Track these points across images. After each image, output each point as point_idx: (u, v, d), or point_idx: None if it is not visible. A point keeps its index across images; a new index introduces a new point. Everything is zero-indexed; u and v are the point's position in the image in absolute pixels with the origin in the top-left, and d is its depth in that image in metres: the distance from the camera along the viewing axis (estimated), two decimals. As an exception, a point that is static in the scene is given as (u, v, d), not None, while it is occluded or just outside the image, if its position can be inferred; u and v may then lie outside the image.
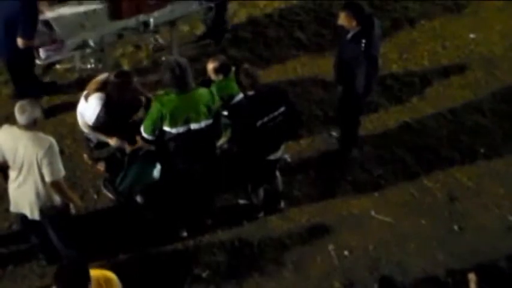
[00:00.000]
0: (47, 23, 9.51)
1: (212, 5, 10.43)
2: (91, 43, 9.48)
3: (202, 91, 7.98)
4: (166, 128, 7.79)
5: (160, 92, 8.09)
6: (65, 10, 9.56)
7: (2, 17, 9.19)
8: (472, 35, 11.46)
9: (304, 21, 11.52)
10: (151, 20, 9.75)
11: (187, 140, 7.90)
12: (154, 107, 7.82)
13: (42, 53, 9.45)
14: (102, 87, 8.44)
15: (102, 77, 8.69)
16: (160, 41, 9.88)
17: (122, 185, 8.43)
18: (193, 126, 7.83)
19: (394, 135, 9.98)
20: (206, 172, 8.36)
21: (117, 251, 8.43)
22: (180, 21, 10.38)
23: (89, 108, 8.41)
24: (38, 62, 9.57)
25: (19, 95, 9.33)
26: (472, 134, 10.01)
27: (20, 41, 9.06)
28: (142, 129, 7.96)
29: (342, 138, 9.71)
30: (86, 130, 8.79)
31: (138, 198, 8.91)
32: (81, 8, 9.56)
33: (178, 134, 7.83)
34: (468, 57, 11.07)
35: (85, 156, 9.23)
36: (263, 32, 11.36)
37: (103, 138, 8.71)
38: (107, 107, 8.33)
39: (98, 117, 8.36)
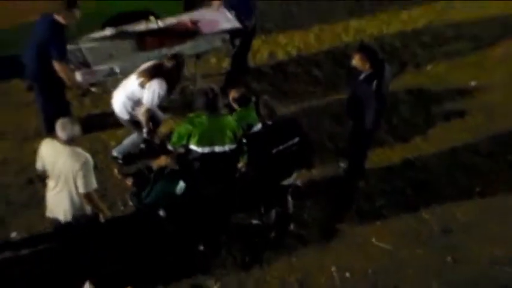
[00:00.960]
0: (80, 51, 9.85)
1: (236, 42, 10.55)
2: (117, 70, 9.76)
3: (230, 118, 8.26)
4: (192, 147, 8.04)
5: (191, 114, 8.32)
6: (96, 40, 9.89)
7: (35, 43, 9.35)
8: (473, 82, 11.57)
9: (321, 60, 11.67)
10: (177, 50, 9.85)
11: (210, 160, 8.13)
12: (184, 125, 8.10)
13: (78, 76, 9.71)
14: (155, 74, 8.94)
15: (149, 66, 9.18)
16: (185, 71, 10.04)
17: (147, 199, 8.49)
18: (218, 148, 8.07)
19: (397, 170, 10.07)
20: (225, 192, 8.52)
21: (136, 258, 8.63)
22: (206, 54, 10.60)
23: (148, 92, 8.94)
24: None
25: (46, 122, 9.61)
26: (469, 174, 10.08)
27: (56, 64, 9.25)
28: (168, 142, 8.26)
29: (349, 169, 9.86)
30: (126, 117, 9.27)
31: (161, 212, 8.93)
32: (110, 39, 9.93)
33: (203, 154, 8.06)
34: (469, 103, 11.16)
35: (115, 171, 9.52)
36: (283, 68, 11.51)
37: (159, 116, 9.31)
38: (166, 88, 8.91)
39: (159, 98, 8.95)
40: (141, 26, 10.37)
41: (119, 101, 9.23)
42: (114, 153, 9.82)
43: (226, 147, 8.12)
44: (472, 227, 9.38)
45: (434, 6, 12.79)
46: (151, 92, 8.97)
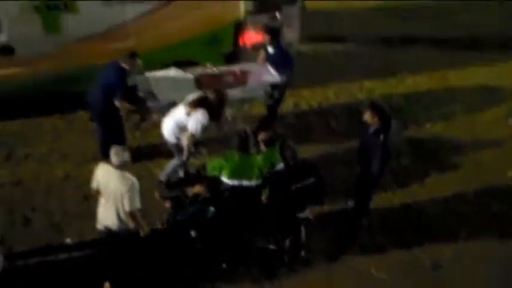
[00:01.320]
0: (147, 81, 9.96)
1: (276, 94, 10.52)
2: (177, 101, 9.57)
3: (258, 157, 8.25)
4: (224, 178, 8.05)
5: (226, 151, 8.39)
6: (162, 75, 9.97)
7: (101, 83, 9.53)
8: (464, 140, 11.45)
9: (337, 113, 11.65)
10: None
11: (238, 192, 8.09)
12: (219, 159, 8.15)
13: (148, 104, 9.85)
14: (200, 105, 8.92)
15: (196, 98, 9.16)
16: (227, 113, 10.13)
17: (180, 218, 8.50)
18: (245, 183, 8.09)
19: (397, 211, 9.97)
20: (248, 219, 8.53)
21: (165, 270, 8.58)
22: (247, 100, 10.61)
23: (193, 121, 8.91)
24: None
25: (102, 149, 9.66)
26: (457, 219, 9.96)
27: (118, 103, 9.45)
28: (203, 171, 8.36)
29: (355, 208, 9.75)
30: (172, 141, 9.26)
31: (192, 232, 8.85)
32: (173, 76, 10.00)
33: (232, 186, 8.04)
34: (461, 158, 11.06)
35: (156, 194, 9.41)
36: (305, 118, 11.51)
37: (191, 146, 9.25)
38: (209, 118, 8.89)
39: (202, 127, 8.91)
40: (200, 70, 10.39)
41: (168, 126, 9.27)
42: (162, 178, 9.80)
43: (253, 182, 8.08)
44: (458, 264, 9.24)
45: (434, 75, 12.77)
46: (196, 120, 8.98)
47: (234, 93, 9.94)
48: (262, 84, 10.25)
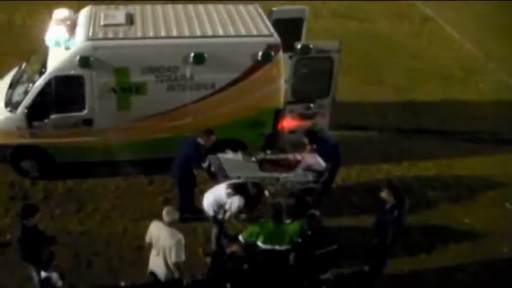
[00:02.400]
0: (218, 160, 9.99)
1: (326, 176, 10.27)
2: (242, 178, 9.55)
3: (291, 226, 8.22)
4: (259, 243, 7.95)
5: (263, 219, 8.36)
6: (231, 156, 10.02)
7: (181, 155, 9.65)
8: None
9: (358, 190, 11.43)
10: (281, 177, 9.84)
11: (270, 255, 7.95)
12: (255, 226, 8.08)
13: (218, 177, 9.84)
14: (239, 191, 8.81)
15: (237, 183, 9.09)
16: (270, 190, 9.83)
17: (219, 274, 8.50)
18: (277, 247, 7.94)
19: (406, 276, 9.67)
20: (277, 278, 8.35)
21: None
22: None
23: (232, 203, 8.76)
24: None
25: (180, 207, 9.56)
26: (457, 285, 9.69)
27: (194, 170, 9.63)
28: (240, 235, 8.30)
29: (370, 272, 9.47)
30: (211, 214, 9.08)
31: (228, 285, 8.79)
32: (241, 158, 10.04)
33: (265, 249, 7.93)
34: (462, 235, 10.67)
35: (200, 250, 9.34)
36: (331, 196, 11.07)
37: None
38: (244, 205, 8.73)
39: (239, 209, 8.74)
40: (262, 155, 10.36)
41: (208, 200, 9.12)
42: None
43: (284, 247, 7.95)
44: None
45: (441, 161, 12.54)
46: (233, 204, 8.81)
47: (287, 175, 9.88)
48: (312, 171, 10.07)
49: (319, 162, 10.11)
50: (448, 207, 11.29)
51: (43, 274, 7.86)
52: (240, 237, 8.30)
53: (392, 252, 9.31)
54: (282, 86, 10.77)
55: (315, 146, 10.20)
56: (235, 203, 8.79)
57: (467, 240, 10.55)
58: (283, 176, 9.81)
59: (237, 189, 8.90)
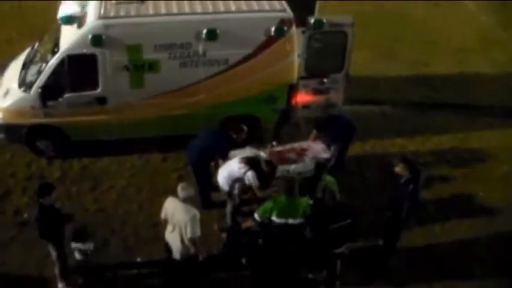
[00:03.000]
0: None
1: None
2: None
3: (303, 200, 8.21)
4: (273, 218, 7.96)
5: (276, 194, 8.37)
6: (240, 152, 9.77)
7: (204, 142, 9.49)
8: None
9: (372, 164, 11.43)
10: (290, 169, 9.80)
11: (284, 228, 8.00)
12: (269, 202, 8.09)
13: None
14: (251, 165, 8.87)
15: (251, 156, 9.18)
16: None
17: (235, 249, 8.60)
18: (291, 221, 7.97)
19: (420, 250, 9.71)
20: (292, 252, 8.41)
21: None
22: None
23: (246, 177, 8.86)
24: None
25: (199, 189, 9.55)
26: (473, 258, 9.67)
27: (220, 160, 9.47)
28: (255, 213, 8.28)
29: (385, 246, 9.49)
30: (225, 188, 9.16)
31: (243, 260, 8.92)
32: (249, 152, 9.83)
33: (280, 223, 7.94)
34: (477, 208, 10.70)
35: (215, 225, 9.41)
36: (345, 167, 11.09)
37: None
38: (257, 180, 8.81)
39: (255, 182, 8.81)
40: (268, 147, 10.33)
41: (222, 176, 9.18)
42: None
43: (297, 221, 7.97)
44: None
45: (457, 136, 12.48)
46: (248, 178, 8.89)
47: (296, 167, 9.87)
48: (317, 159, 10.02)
49: (325, 150, 10.18)
50: (463, 181, 11.25)
51: (74, 245, 8.22)
52: (256, 216, 8.34)
53: (407, 226, 9.32)
54: (296, 61, 10.72)
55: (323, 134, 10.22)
56: (249, 177, 8.85)
57: (482, 213, 10.54)
58: (292, 167, 9.83)
59: (249, 163, 8.95)
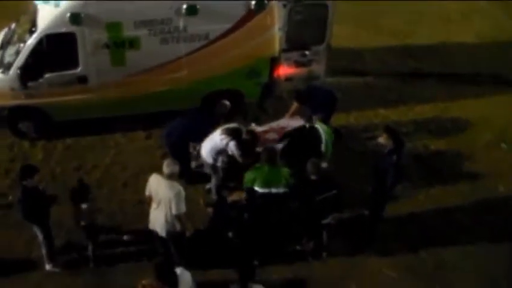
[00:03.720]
0: None
1: None
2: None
3: (285, 169, 8.20)
4: (256, 187, 8.02)
5: (258, 164, 8.37)
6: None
7: (184, 123, 9.48)
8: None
9: (356, 135, 11.47)
10: None
11: (268, 198, 8.08)
12: (251, 173, 8.14)
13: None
14: (232, 135, 8.90)
15: (231, 127, 9.12)
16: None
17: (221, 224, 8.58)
18: (274, 190, 8.04)
19: (405, 219, 9.79)
20: (278, 223, 8.49)
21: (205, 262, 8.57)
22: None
23: (228, 147, 8.90)
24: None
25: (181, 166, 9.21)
26: (457, 226, 9.78)
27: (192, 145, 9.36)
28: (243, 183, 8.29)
29: (370, 216, 9.56)
30: (209, 162, 9.17)
31: (230, 234, 8.95)
32: None
33: (263, 193, 7.98)
34: (462, 175, 10.84)
35: (201, 201, 9.46)
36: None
37: None
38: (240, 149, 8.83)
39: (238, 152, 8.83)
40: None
41: (206, 149, 9.20)
42: (207, 186, 9.73)
43: (281, 189, 7.99)
44: (458, 265, 9.14)
45: (439, 105, 12.59)
46: (230, 149, 8.89)
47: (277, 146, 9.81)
48: None
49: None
50: (446, 150, 11.35)
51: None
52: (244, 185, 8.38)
53: (392, 196, 9.39)
54: (277, 35, 10.70)
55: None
56: (231, 147, 8.88)
57: (466, 181, 10.65)
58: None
59: (231, 133, 8.96)
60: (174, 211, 7.66)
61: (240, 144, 8.90)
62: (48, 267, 8.61)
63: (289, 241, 9.02)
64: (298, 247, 9.00)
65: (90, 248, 8.66)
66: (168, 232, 7.94)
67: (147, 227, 8.28)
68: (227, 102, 9.56)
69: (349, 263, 9.00)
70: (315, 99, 10.13)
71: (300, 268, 8.80)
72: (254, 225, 8.50)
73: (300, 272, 8.74)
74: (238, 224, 8.72)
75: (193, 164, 9.72)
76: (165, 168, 7.71)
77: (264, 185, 8.13)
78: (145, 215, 8.44)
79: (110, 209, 9.58)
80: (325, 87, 10.66)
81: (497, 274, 9.00)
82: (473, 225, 9.81)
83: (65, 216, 8.82)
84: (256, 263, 8.67)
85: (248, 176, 8.25)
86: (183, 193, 7.72)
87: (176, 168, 7.75)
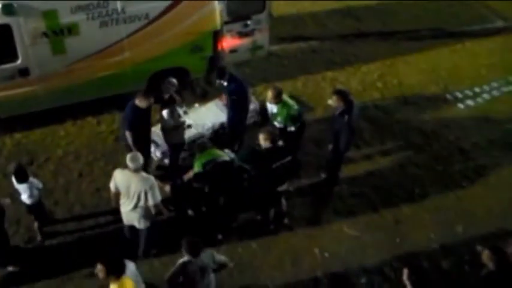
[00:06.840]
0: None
1: None
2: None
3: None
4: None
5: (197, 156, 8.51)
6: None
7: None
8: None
9: (305, 100, 11.46)
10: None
11: (215, 167, 8.23)
12: (196, 161, 8.38)
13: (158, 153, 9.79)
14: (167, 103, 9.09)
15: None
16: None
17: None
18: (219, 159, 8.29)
19: (362, 178, 9.95)
20: (235, 194, 8.60)
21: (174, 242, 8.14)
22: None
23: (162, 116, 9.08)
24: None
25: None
26: (412, 179, 10.03)
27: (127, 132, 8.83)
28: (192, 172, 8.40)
29: (328, 178, 9.73)
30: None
31: (189, 212, 9.00)
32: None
33: (209, 162, 8.26)
34: (411, 130, 11.03)
35: (167, 187, 9.10)
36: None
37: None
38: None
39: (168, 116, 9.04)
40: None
41: (157, 133, 9.18)
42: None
43: (226, 157, 8.33)
44: (415, 217, 9.37)
45: (385, 62, 12.77)
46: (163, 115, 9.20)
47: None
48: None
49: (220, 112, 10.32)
50: (394, 106, 11.56)
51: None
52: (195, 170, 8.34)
53: (346, 156, 9.55)
54: (217, 7, 10.56)
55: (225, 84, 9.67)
56: (164, 114, 9.02)
57: (417, 134, 10.89)
58: (199, 131, 10.03)
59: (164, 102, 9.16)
60: (151, 202, 7.62)
61: (172, 112, 9.02)
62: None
63: (249, 210, 9.06)
64: (258, 217, 9.05)
65: (36, 224, 8.62)
66: (146, 223, 7.94)
67: (107, 214, 8.15)
68: (173, 80, 9.38)
69: (310, 226, 9.11)
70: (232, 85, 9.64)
71: (263, 236, 8.87)
72: (211, 198, 8.52)
73: (263, 241, 8.81)
74: (195, 200, 8.73)
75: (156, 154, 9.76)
76: (131, 163, 7.56)
77: (210, 161, 8.23)
78: (105, 203, 8.35)
79: (68, 201, 9.37)
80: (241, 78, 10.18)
81: (453, 221, 9.27)
82: (426, 177, 10.07)
83: (21, 215, 8.75)
84: (220, 237, 8.73)
85: (196, 164, 8.32)
86: (155, 183, 7.68)
87: (141, 160, 7.66)
